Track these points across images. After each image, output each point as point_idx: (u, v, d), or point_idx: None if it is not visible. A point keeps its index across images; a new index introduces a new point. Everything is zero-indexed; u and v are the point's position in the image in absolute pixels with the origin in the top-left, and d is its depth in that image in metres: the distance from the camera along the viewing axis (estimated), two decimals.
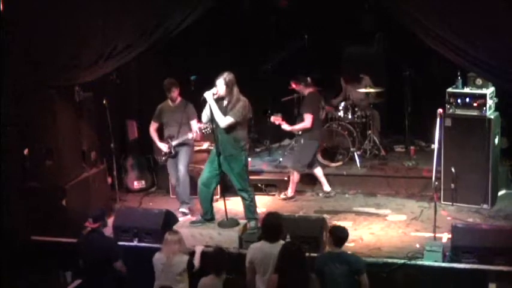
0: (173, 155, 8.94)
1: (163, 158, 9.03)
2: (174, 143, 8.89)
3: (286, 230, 6.90)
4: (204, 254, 7.15)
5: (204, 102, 7.86)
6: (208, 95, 7.81)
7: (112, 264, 6.94)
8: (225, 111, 7.86)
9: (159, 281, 6.84)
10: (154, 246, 7.65)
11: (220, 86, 7.84)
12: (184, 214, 8.82)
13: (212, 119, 7.89)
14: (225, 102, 7.91)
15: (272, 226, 6.61)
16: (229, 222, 8.21)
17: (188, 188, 8.87)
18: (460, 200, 9.04)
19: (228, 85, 7.83)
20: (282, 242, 6.50)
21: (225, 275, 6.49)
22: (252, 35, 11.21)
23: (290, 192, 9.70)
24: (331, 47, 11.24)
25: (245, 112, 7.94)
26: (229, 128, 7.89)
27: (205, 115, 8.01)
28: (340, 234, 6.60)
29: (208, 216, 8.28)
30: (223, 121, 7.85)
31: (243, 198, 8.19)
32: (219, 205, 8.37)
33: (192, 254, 7.14)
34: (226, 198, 8.56)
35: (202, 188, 8.18)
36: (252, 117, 11.25)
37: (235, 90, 7.90)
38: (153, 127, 9.09)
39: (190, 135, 8.84)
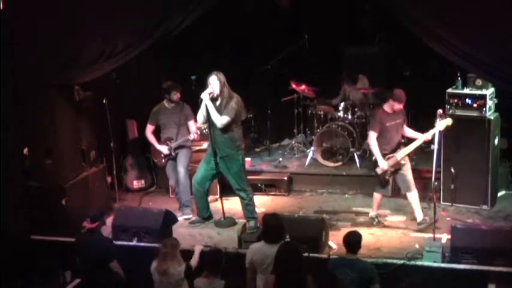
0: (173, 157, 8.92)
1: (163, 161, 9.00)
2: (173, 144, 8.87)
3: (286, 232, 6.88)
4: (201, 253, 7.12)
5: (201, 103, 7.86)
6: (205, 96, 7.81)
7: (108, 264, 6.95)
8: (219, 110, 7.86)
9: None
10: (154, 246, 7.66)
11: (214, 83, 7.83)
12: (187, 219, 8.75)
13: (208, 120, 7.89)
14: (219, 101, 7.91)
15: (272, 228, 6.54)
16: (226, 221, 8.22)
17: (189, 190, 8.79)
18: (460, 201, 9.05)
19: (221, 82, 7.84)
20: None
21: (220, 276, 6.38)
22: (252, 35, 11.21)
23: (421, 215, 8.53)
24: (331, 47, 11.24)
25: (238, 108, 7.92)
26: (225, 128, 7.88)
27: (200, 116, 7.98)
28: (352, 240, 6.42)
29: (205, 214, 8.28)
30: (220, 121, 7.84)
31: (241, 198, 8.19)
32: (218, 205, 8.36)
33: (189, 253, 7.13)
34: (226, 198, 8.59)
35: (196, 187, 8.18)
36: (252, 116, 11.35)
37: (227, 87, 7.90)
38: (149, 130, 9.00)
39: (191, 137, 8.81)
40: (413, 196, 8.46)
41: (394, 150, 8.35)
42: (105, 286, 6.98)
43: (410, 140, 8.56)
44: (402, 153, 8.31)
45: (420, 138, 8.30)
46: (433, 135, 8.10)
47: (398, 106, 8.31)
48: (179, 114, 8.88)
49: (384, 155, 8.32)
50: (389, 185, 8.50)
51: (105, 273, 6.91)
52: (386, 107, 8.39)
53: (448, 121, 8.15)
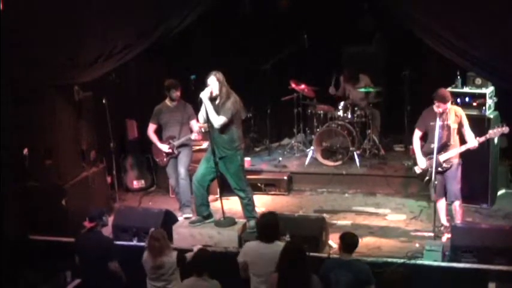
0: (175, 155, 8.92)
1: (165, 159, 8.99)
2: (176, 143, 8.86)
3: (283, 230, 6.85)
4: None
5: (201, 103, 7.87)
6: (204, 95, 7.82)
7: (107, 263, 6.95)
8: (217, 110, 7.87)
9: (150, 282, 6.81)
10: None
11: (213, 83, 7.85)
12: (188, 218, 8.74)
13: (208, 120, 7.90)
14: (217, 101, 7.92)
15: (267, 226, 6.52)
16: (226, 221, 8.22)
17: (189, 190, 8.80)
18: None
19: (220, 81, 7.85)
20: (278, 242, 6.40)
21: (207, 276, 6.32)
22: (251, 35, 11.21)
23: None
24: (331, 47, 11.24)
25: (235, 108, 7.92)
26: (224, 128, 7.90)
27: (201, 116, 8.01)
28: (349, 241, 6.44)
29: (204, 212, 8.28)
30: (217, 121, 7.85)
31: (241, 198, 8.21)
32: (218, 205, 8.36)
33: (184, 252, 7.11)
34: (225, 197, 8.58)
35: (197, 185, 8.18)
36: (252, 116, 11.35)
37: (225, 87, 7.91)
38: (151, 129, 8.98)
39: (193, 136, 8.81)
40: (459, 206, 8.07)
41: (439, 152, 7.86)
42: (104, 285, 6.98)
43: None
44: (445, 156, 7.89)
45: (469, 143, 7.92)
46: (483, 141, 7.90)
47: (443, 106, 7.81)
48: (181, 112, 8.87)
49: (427, 154, 8.00)
50: (432, 188, 7.94)
51: (104, 273, 6.91)
52: (435, 106, 7.92)
53: (506, 130, 7.88)
